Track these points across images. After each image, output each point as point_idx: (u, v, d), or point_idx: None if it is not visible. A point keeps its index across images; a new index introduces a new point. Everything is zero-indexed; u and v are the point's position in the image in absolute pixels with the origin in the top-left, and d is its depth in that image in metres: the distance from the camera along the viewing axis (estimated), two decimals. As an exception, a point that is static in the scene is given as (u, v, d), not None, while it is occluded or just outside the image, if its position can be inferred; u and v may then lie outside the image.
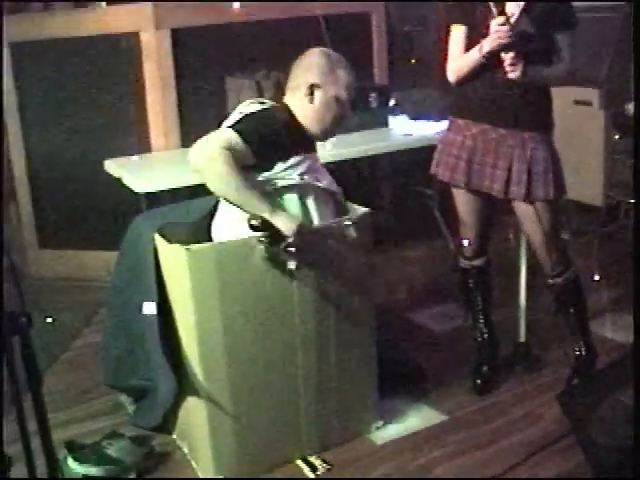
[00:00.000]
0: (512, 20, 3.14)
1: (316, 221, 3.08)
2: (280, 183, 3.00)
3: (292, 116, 3.13)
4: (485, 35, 3.20)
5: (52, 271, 5.30)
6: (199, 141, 2.89)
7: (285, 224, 2.84)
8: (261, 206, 2.84)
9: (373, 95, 4.91)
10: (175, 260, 2.94)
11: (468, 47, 3.32)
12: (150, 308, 3.08)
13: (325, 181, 3.18)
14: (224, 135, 2.90)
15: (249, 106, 3.17)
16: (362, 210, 3.21)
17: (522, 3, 3.19)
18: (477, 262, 3.69)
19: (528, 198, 3.31)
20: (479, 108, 3.37)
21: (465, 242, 3.66)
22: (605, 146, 5.27)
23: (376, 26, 5.49)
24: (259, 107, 3.14)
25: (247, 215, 2.86)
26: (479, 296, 3.74)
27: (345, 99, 3.14)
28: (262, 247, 2.87)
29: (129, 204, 4.22)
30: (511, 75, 3.14)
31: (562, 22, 3.23)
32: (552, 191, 3.30)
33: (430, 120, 4.80)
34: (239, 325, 2.93)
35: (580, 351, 3.62)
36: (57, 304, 4.84)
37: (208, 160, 2.82)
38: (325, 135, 3.22)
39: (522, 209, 3.40)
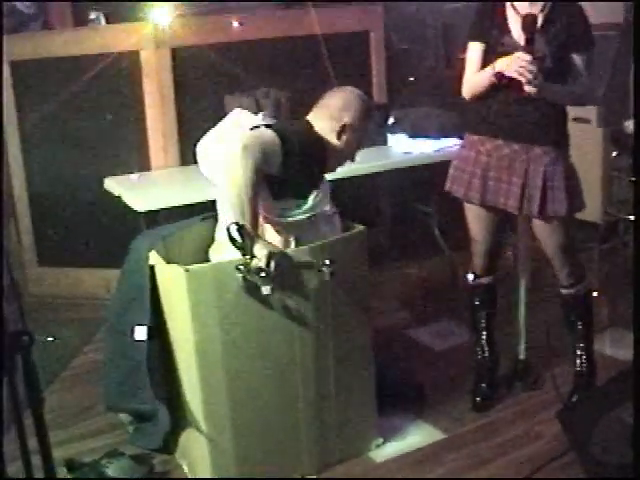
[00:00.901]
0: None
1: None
2: (296, 218, 3.09)
3: (317, 138, 3.20)
4: (500, 52, 3.24)
5: (52, 289, 5.28)
6: (251, 133, 3.00)
7: (260, 249, 2.82)
8: (250, 223, 2.84)
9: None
10: (173, 280, 2.94)
11: (484, 64, 3.35)
12: (141, 333, 3.08)
13: (327, 203, 3.23)
14: (269, 134, 3.00)
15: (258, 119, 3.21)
16: (357, 227, 3.22)
17: (539, 23, 3.19)
18: (485, 280, 3.70)
19: (542, 214, 3.33)
20: (493, 124, 3.38)
21: (470, 277, 3.69)
22: (603, 163, 5.29)
23: (375, 44, 5.50)
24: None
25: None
26: (484, 313, 3.75)
27: (363, 146, 3.34)
28: (239, 275, 2.85)
29: (129, 222, 4.22)
30: (527, 89, 3.11)
31: (579, 42, 3.24)
32: (566, 207, 3.31)
33: (429, 138, 4.81)
34: (239, 345, 2.94)
35: (581, 367, 3.63)
36: (57, 322, 4.84)
37: (243, 149, 2.86)
38: (338, 166, 3.35)
39: (537, 222, 3.42)
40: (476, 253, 3.65)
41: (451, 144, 4.72)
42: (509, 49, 3.23)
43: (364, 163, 4.55)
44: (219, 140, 3.23)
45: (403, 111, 5.00)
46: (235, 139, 2.92)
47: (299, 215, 3.11)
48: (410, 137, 4.87)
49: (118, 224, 4.64)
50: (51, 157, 5.11)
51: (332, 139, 3.20)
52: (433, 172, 4.81)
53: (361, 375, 3.28)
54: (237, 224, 2.79)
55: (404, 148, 4.72)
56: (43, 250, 5.32)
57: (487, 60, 3.34)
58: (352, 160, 3.33)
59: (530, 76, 3.06)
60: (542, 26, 3.21)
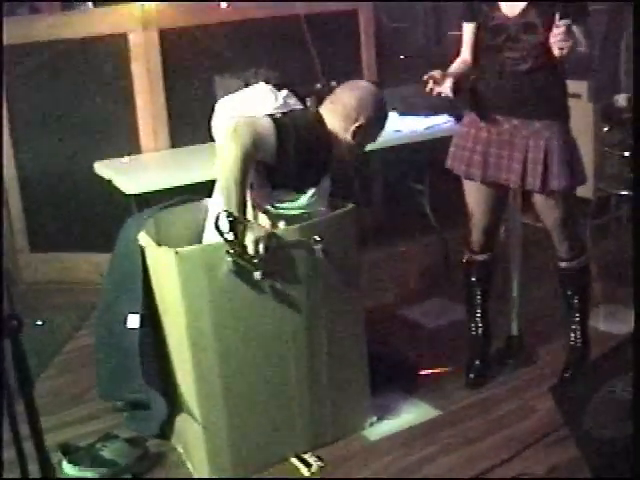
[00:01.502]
0: (518, 11, 3.20)
1: None
2: (289, 212, 3.10)
3: (326, 133, 3.17)
4: (491, 26, 3.28)
5: (43, 274, 5.27)
6: (245, 119, 2.96)
7: (247, 237, 2.80)
8: (237, 208, 2.83)
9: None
10: (163, 263, 2.94)
11: (477, 42, 3.39)
12: (134, 321, 3.08)
13: (323, 204, 3.22)
14: (264, 122, 2.97)
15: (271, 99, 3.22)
16: (347, 206, 3.19)
17: None
18: (482, 257, 3.69)
19: (544, 189, 3.32)
20: (491, 100, 3.39)
21: (466, 254, 3.70)
22: (594, 138, 5.28)
23: (364, 23, 5.47)
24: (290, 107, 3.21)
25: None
26: (479, 290, 3.74)
27: (372, 142, 3.32)
28: (229, 259, 2.84)
29: (120, 206, 4.21)
30: (560, 48, 3.02)
31: (574, 13, 3.13)
32: (568, 181, 3.30)
33: (419, 116, 4.79)
34: (230, 327, 2.94)
35: (575, 342, 3.64)
36: (49, 307, 4.84)
37: (233, 133, 2.87)
38: (343, 164, 3.34)
39: (538, 197, 3.41)
40: (474, 230, 3.64)
41: (442, 121, 4.70)
42: (500, 22, 3.25)
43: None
44: (231, 110, 3.22)
45: (393, 89, 4.97)
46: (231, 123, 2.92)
47: (292, 210, 3.10)
48: (400, 115, 4.85)
49: (109, 208, 4.63)
50: (41, 142, 5.08)
51: (345, 137, 3.17)
52: (424, 150, 4.82)
53: (354, 354, 3.28)
54: (226, 212, 2.78)
55: (395, 126, 4.70)
56: (34, 236, 5.30)
57: (480, 37, 3.36)
58: (357, 157, 3.34)
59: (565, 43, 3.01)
60: None
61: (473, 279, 3.74)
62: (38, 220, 5.27)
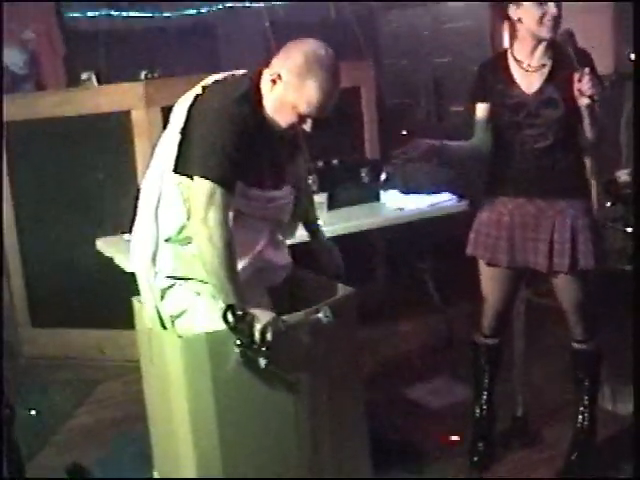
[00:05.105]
0: (537, 87, 3.21)
1: None
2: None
3: (258, 101, 2.79)
4: (509, 104, 3.25)
5: (44, 349, 5.26)
6: (196, 216, 2.73)
7: (257, 324, 2.68)
8: (236, 297, 2.71)
9: (364, 170, 4.92)
10: (168, 346, 2.91)
11: (493, 122, 3.36)
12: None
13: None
14: (215, 203, 2.68)
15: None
16: (347, 290, 3.12)
17: (545, 71, 3.23)
18: (493, 341, 3.62)
19: (572, 270, 3.26)
20: (513, 182, 3.34)
21: (477, 337, 3.63)
22: (598, 213, 5.27)
23: (366, 100, 5.52)
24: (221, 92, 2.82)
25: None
26: (487, 374, 3.66)
27: (305, 113, 2.75)
28: (237, 351, 2.75)
29: (121, 283, 4.19)
30: (590, 95, 3.02)
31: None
32: (594, 260, 3.25)
33: (422, 194, 4.79)
34: (233, 412, 2.88)
35: (582, 424, 3.55)
36: (49, 383, 4.83)
37: (208, 241, 2.69)
38: (285, 128, 2.83)
39: (561, 277, 3.35)
40: (487, 314, 3.57)
41: (445, 199, 4.70)
42: (519, 99, 3.24)
43: (356, 220, 4.55)
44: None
45: (395, 167, 4.99)
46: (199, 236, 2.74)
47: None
48: (403, 193, 4.84)
49: (111, 285, 4.60)
50: (43, 217, 5.12)
51: (268, 89, 2.76)
52: (427, 228, 4.81)
53: (356, 436, 3.22)
54: (230, 308, 2.65)
55: (397, 204, 4.71)
56: (36, 311, 5.31)
57: (496, 116, 3.34)
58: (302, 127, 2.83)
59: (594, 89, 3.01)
60: (550, 73, 3.23)
61: (482, 362, 3.67)
62: (40, 295, 5.27)
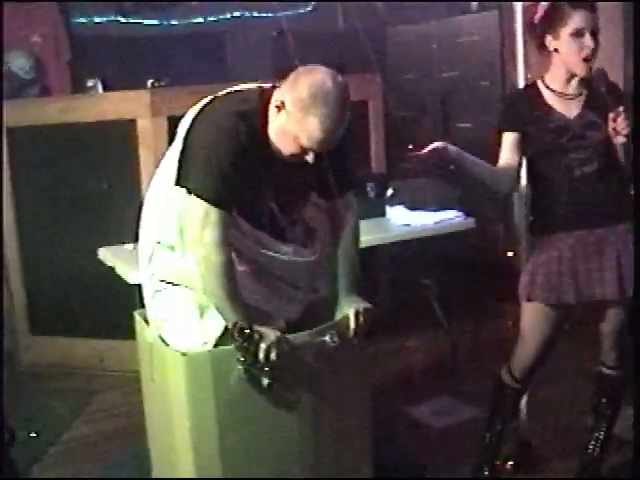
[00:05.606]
0: (576, 112, 3.13)
1: None
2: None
3: (264, 122, 2.72)
4: (551, 129, 3.13)
5: (43, 357, 5.24)
6: (192, 235, 2.72)
7: (262, 343, 2.65)
8: (240, 316, 2.69)
9: (371, 185, 4.89)
10: (170, 362, 2.87)
11: (526, 152, 3.23)
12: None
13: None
14: (211, 221, 2.66)
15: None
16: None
17: (583, 98, 3.15)
18: (518, 386, 3.47)
19: (622, 295, 3.14)
20: (569, 216, 3.18)
21: (505, 377, 3.46)
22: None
23: (373, 114, 5.49)
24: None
25: None
26: (507, 412, 3.53)
27: (306, 146, 2.65)
28: (240, 368, 2.72)
29: (123, 293, 4.16)
30: (625, 135, 2.95)
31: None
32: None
33: (428, 210, 4.75)
34: (235, 430, 2.85)
35: (594, 449, 3.49)
36: (47, 391, 4.80)
37: (204, 260, 2.68)
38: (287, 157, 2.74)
39: (610, 302, 3.24)
40: (522, 357, 3.38)
41: (451, 216, 4.66)
42: (561, 123, 3.13)
43: (361, 236, 4.51)
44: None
45: (402, 182, 4.96)
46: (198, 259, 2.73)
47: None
48: (409, 209, 4.81)
49: (112, 294, 4.58)
50: (45, 225, 5.10)
51: (274, 114, 2.68)
52: (432, 244, 4.78)
53: (359, 455, 3.17)
54: (237, 328, 2.63)
55: (403, 220, 4.67)
56: (36, 319, 5.29)
57: (535, 142, 3.19)
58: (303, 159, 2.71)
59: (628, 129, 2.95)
60: (586, 100, 3.15)
61: (504, 402, 3.51)
62: (40, 303, 5.26)
